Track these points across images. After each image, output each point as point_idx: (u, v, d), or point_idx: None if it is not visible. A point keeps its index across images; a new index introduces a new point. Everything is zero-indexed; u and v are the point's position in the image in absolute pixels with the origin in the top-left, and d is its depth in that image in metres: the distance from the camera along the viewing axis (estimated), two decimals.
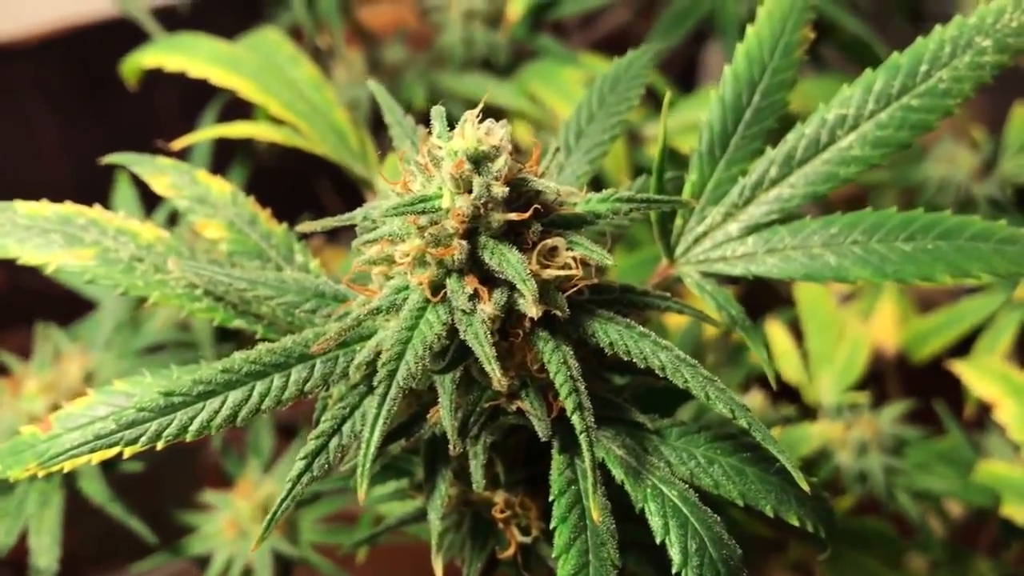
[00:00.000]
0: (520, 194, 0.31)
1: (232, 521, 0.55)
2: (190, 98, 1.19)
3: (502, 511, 0.36)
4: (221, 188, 0.39)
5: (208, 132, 0.45)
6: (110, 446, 0.31)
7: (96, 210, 0.37)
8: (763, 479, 0.34)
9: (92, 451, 0.32)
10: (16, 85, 1.31)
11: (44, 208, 0.37)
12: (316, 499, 0.58)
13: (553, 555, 0.30)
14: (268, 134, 0.45)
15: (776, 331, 0.76)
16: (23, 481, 0.52)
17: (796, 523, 0.33)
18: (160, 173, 0.39)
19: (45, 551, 0.50)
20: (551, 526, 0.30)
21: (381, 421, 0.29)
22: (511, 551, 0.37)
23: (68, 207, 0.37)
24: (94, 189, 0.65)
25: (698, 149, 0.39)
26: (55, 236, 0.36)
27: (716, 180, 0.39)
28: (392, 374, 0.29)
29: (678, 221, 0.39)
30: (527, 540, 0.37)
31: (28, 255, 0.36)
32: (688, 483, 0.33)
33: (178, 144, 0.44)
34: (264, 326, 0.36)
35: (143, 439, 0.31)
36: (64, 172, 1.26)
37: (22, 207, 0.37)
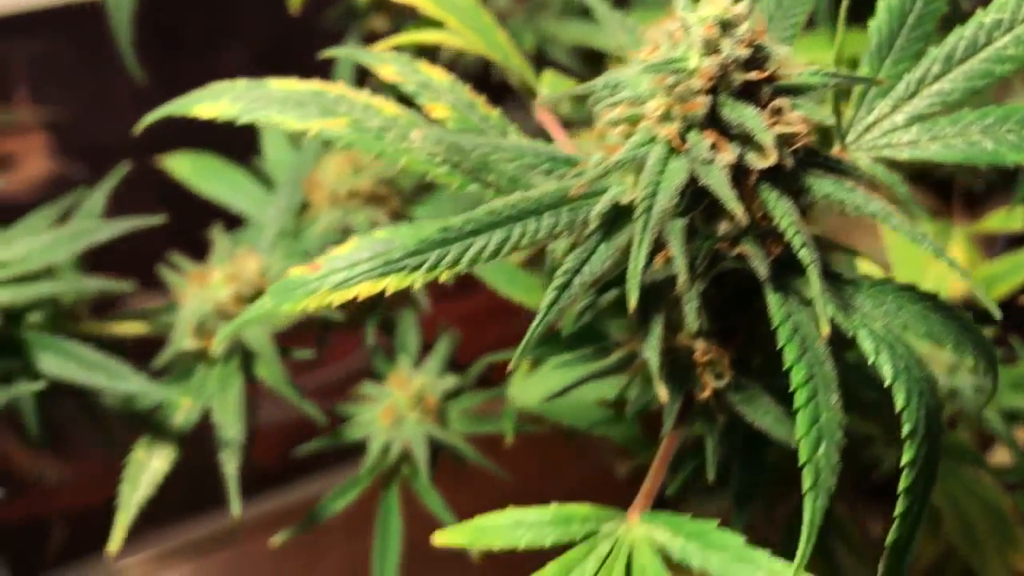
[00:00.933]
0: (755, 59, 0.35)
1: (389, 409, 0.60)
2: (263, 56, 1.23)
3: (704, 354, 0.41)
4: (441, 76, 0.44)
5: (404, 38, 0.50)
6: (394, 272, 0.36)
7: (343, 86, 0.42)
8: (944, 324, 0.38)
9: (372, 278, 0.36)
10: (100, 42, 1.35)
11: (295, 84, 0.42)
12: (459, 393, 0.63)
13: (785, 367, 0.35)
14: (457, 41, 0.50)
15: (867, 266, 0.81)
16: (202, 366, 0.57)
17: (972, 359, 0.38)
18: (385, 63, 0.44)
19: (231, 425, 0.55)
20: (780, 346, 0.35)
21: (646, 241, 0.34)
22: (707, 393, 0.41)
23: (318, 83, 0.42)
24: (169, 149, 0.70)
25: (868, 50, 0.44)
26: (311, 107, 0.41)
27: (883, 76, 0.44)
28: (649, 208, 0.34)
29: (848, 112, 0.44)
30: (720, 385, 0.42)
31: (289, 123, 0.41)
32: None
33: (331, 53, 0.48)
34: (494, 192, 0.41)
35: (424, 267, 0.36)
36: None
37: (274, 83, 0.42)
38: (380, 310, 0.63)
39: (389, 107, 0.42)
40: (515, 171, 0.40)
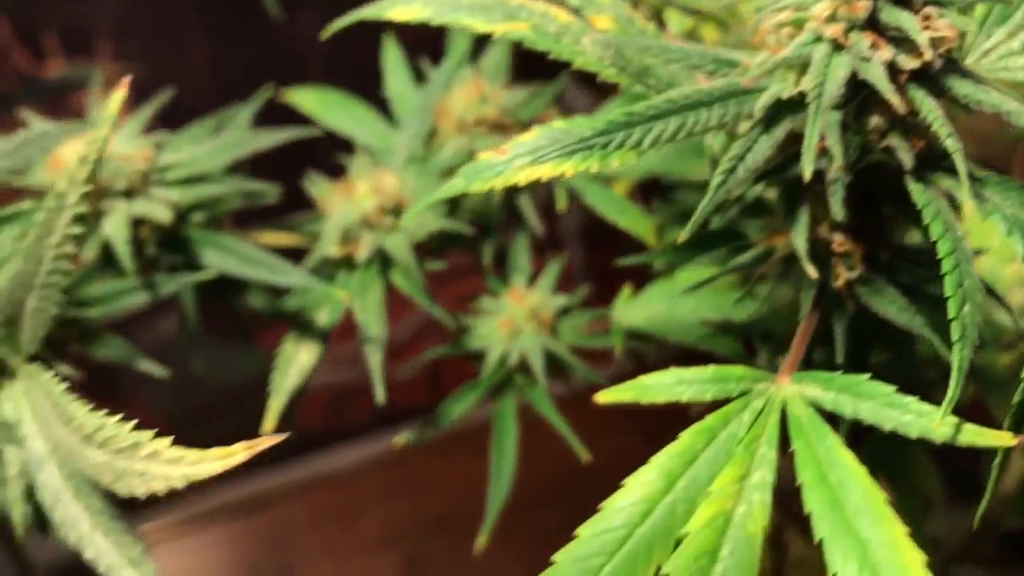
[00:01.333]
0: None
1: (507, 321, 0.65)
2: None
3: (840, 246, 0.46)
4: None
5: None
6: (582, 151, 0.41)
7: None
8: None
9: (559, 157, 0.41)
10: (172, 5, 1.41)
11: None
12: (567, 312, 0.68)
13: (932, 239, 0.39)
14: None
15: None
16: (343, 272, 0.62)
17: None
18: None
19: (373, 323, 0.59)
20: (924, 222, 0.40)
21: (817, 124, 0.38)
22: (840, 282, 0.46)
23: None
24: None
25: None
26: (496, 13, 0.46)
27: (1000, 8, 0.49)
28: (819, 95, 0.39)
29: (969, 37, 0.49)
30: (852, 276, 0.46)
31: (477, 25, 0.45)
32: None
33: None
34: (655, 92, 0.46)
35: (611, 146, 0.40)
36: (209, 95, 1.35)
37: None
38: (495, 234, 0.68)
39: (563, 15, 0.47)
40: (676, 73, 0.45)
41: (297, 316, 0.60)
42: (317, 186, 0.63)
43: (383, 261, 0.62)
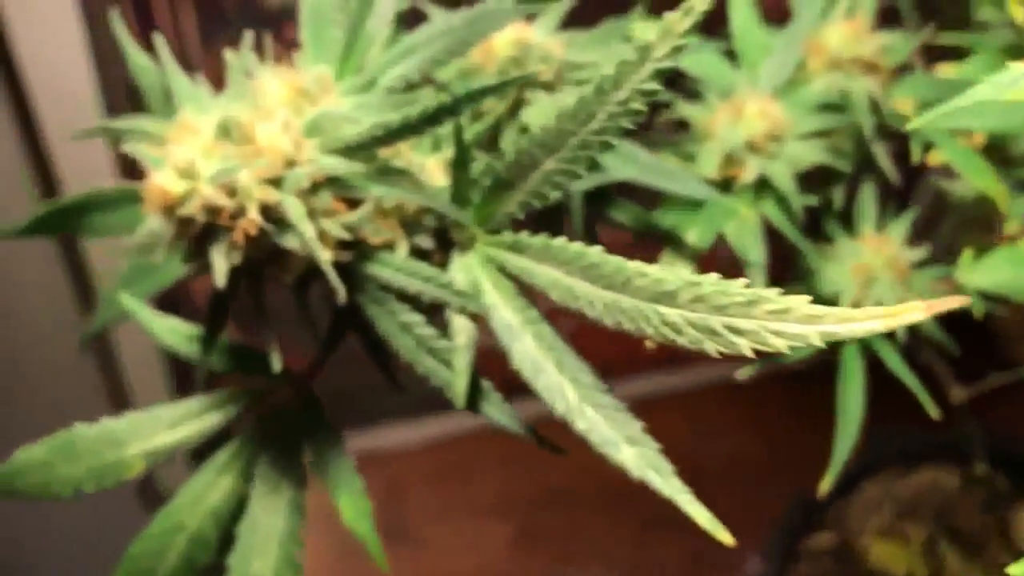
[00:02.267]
0: None
1: (860, 267, 0.63)
2: None
3: None
4: None
5: None
6: None
7: None
8: None
9: None
10: None
11: None
12: (920, 266, 0.66)
13: None
14: None
15: None
16: (712, 200, 0.60)
17: None
18: None
19: (752, 248, 0.58)
20: None
21: None
22: None
23: None
24: None
25: None
26: None
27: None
28: None
29: None
30: None
31: None
32: None
33: None
34: None
35: None
36: None
37: None
38: (841, 182, 0.66)
39: None
40: None
41: (669, 234, 0.59)
42: (691, 107, 0.62)
43: (757, 188, 0.60)
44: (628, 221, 0.60)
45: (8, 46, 1.00)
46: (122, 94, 1.09)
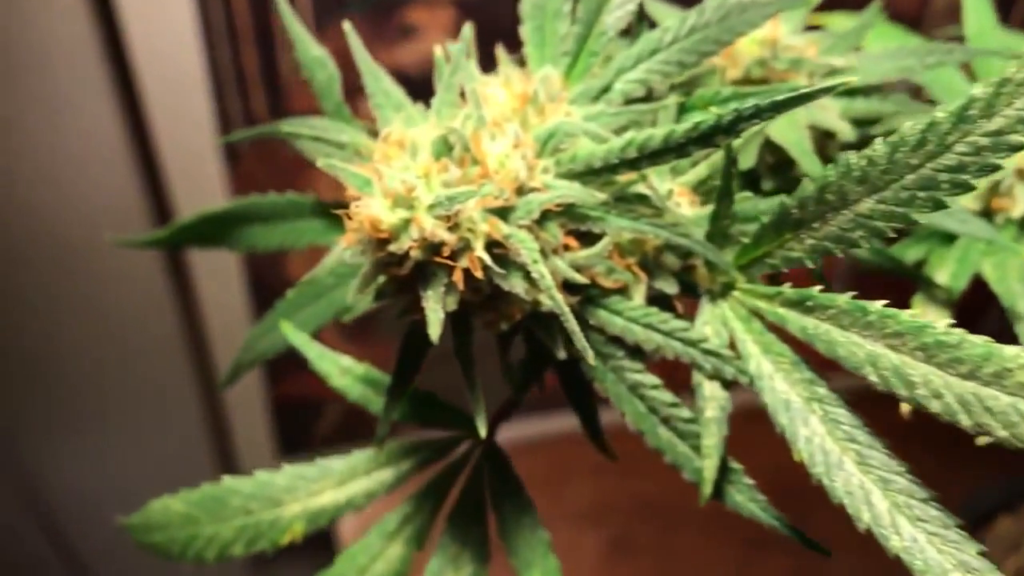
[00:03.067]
0: None
1: None
2: None
3: None
4: None
5: None
6: None
7: None
8: None
9: None
10: None
11: None
12: None
13: None
14: None
15: None
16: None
17: None
18: None
19: (1019, 296, 0.48)
20: None
21: None
22: None
23: None
24: None
25: None
26: None
27: None
28: None
29: None
30: None
31: None
32: None
33: None
34: None
35: None
36: None
37: None
38: None
39: None
40: None
41: (918, 274, 0.49)
42: None
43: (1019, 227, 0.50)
44: (867, 255, 0.51)
45: (119, 28, 0.95)
46: (231, 76, 1.03)
